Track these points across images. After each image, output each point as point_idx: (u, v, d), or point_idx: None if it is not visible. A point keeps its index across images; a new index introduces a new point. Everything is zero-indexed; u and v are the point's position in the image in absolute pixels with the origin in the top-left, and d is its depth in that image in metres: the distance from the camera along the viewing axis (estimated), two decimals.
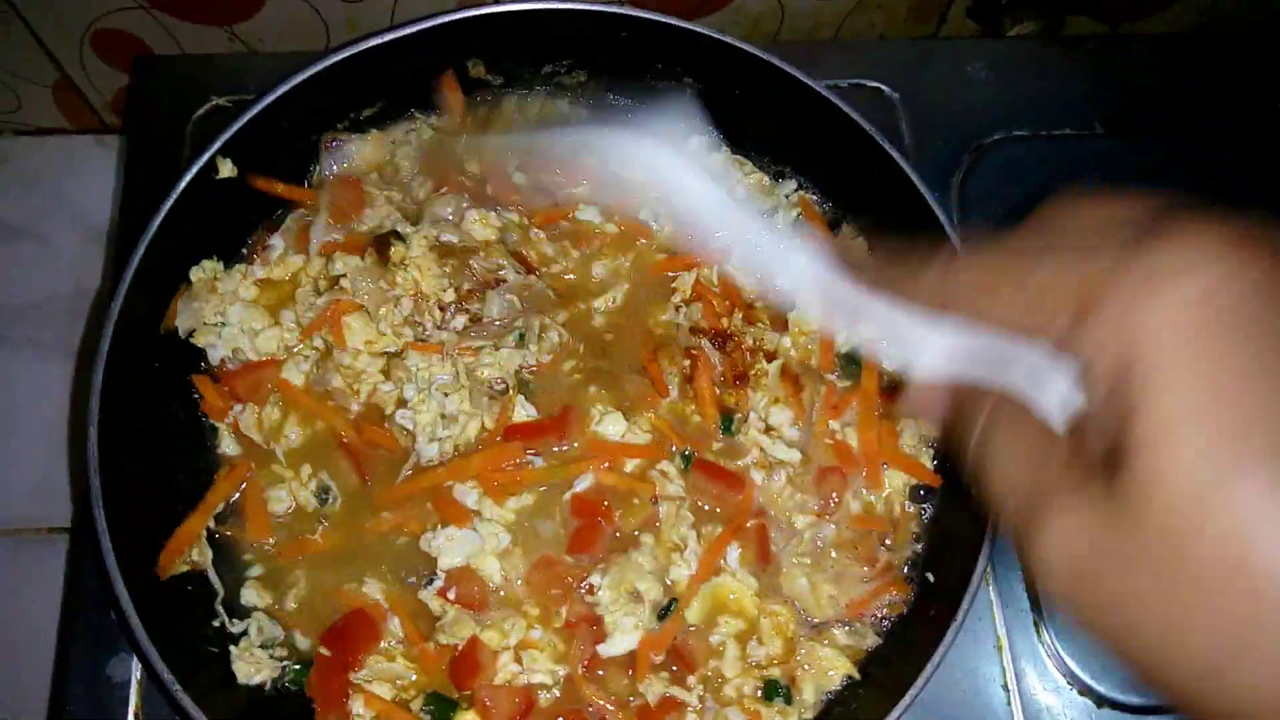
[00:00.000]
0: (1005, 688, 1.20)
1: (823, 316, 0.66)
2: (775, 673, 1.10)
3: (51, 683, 1.26)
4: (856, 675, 1.10)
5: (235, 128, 1.11)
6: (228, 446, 1.17)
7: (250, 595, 1.11)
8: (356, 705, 1.05)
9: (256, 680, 1.07)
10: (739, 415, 1.19)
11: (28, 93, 1.57)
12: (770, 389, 1.19)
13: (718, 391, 1.19)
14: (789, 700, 1.09)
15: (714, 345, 1.20)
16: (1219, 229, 0.42)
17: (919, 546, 1.17)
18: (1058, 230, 0.50)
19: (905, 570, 1.17)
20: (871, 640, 1.14)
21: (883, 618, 1.15)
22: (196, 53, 1.46)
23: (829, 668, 1.11)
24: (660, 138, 0.80)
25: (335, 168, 1.25)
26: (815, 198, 1.31)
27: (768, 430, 1.19)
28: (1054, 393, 0.51)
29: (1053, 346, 0.49)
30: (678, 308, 1.24)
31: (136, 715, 1.11)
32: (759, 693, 1.10)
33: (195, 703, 0.94)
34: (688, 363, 1.20)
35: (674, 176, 0.76)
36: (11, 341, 1.52)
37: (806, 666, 1.11)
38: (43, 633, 1.33)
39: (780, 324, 1.23)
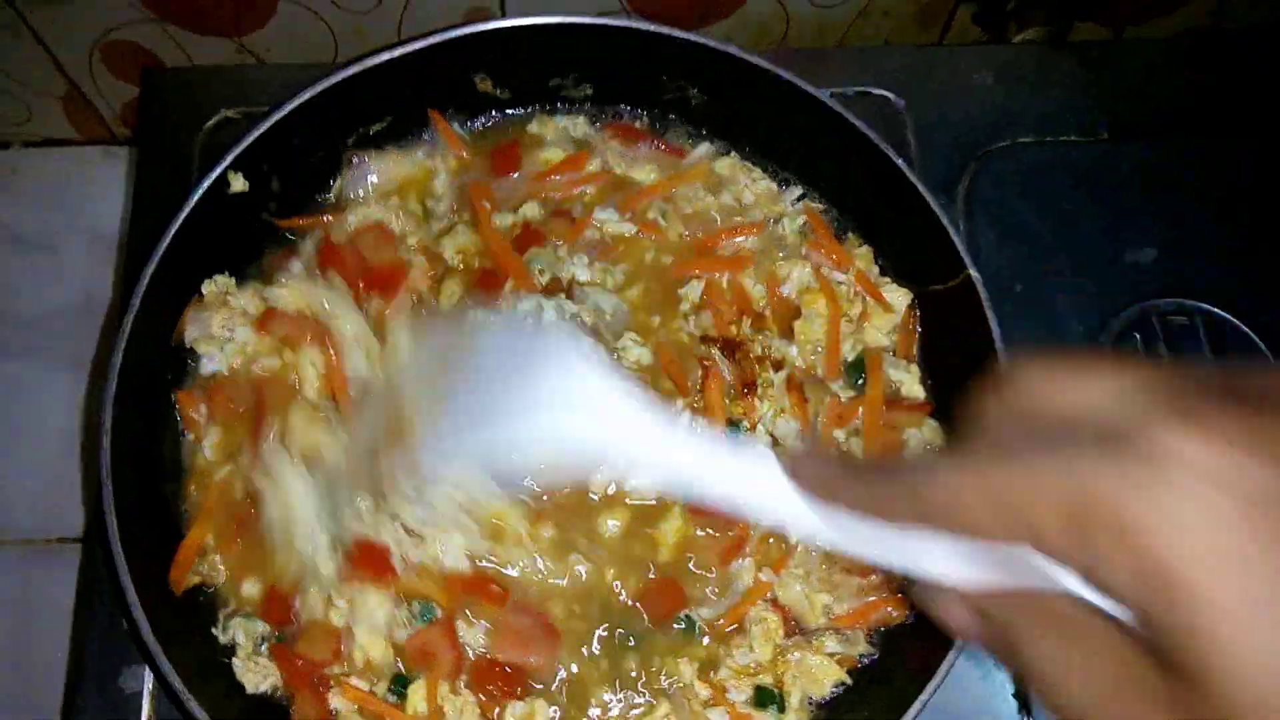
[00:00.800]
0: (1016, 697, 1.19)
1: (796, 535, 0.58)
2: (766, 679, 1.10)
3: (64, 693, 1.27)
4: (849, 680, 1.10)
5: (246, 142, 1.11)
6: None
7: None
8: (335, 699, 1.06)
9: (264, 688, 1.07)
10: (745, 425, 1.19)
11: (37, 104, 1.58)
12: (776, 399, 1.20)
13: (726, 402, 1.19)
14: (782, 708, 1.10)
15: (724, 355, 1.20)
16: (1187, 417, 0.39)
17: None
18: (1021, 420, 0.46)
19: (906, 581, 1.16)
20: (863, 647, 1.13)
21: (878, 629, 1.14)
22: (205, 64, 1.47)
23: (820, 675, 1.11)
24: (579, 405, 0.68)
25: (360, 189, 1.27)
26: (821, 206, 1.31)
27: (774, 443, 1.19)
28: (1073, 583, 0.45)
29: (1048, 555, 0.44)
30: (687, 316, 1.24)
31: None
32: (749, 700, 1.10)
33: (207, 713, 0.94)
34: (699, 373, 1.20)
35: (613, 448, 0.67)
36: (21, 351, 1.53)
37: (795, 675, 1.11)
38: (55, 642, 1.35)
39: (787, 332, 1.22)
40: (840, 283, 1.25)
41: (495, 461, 0.76)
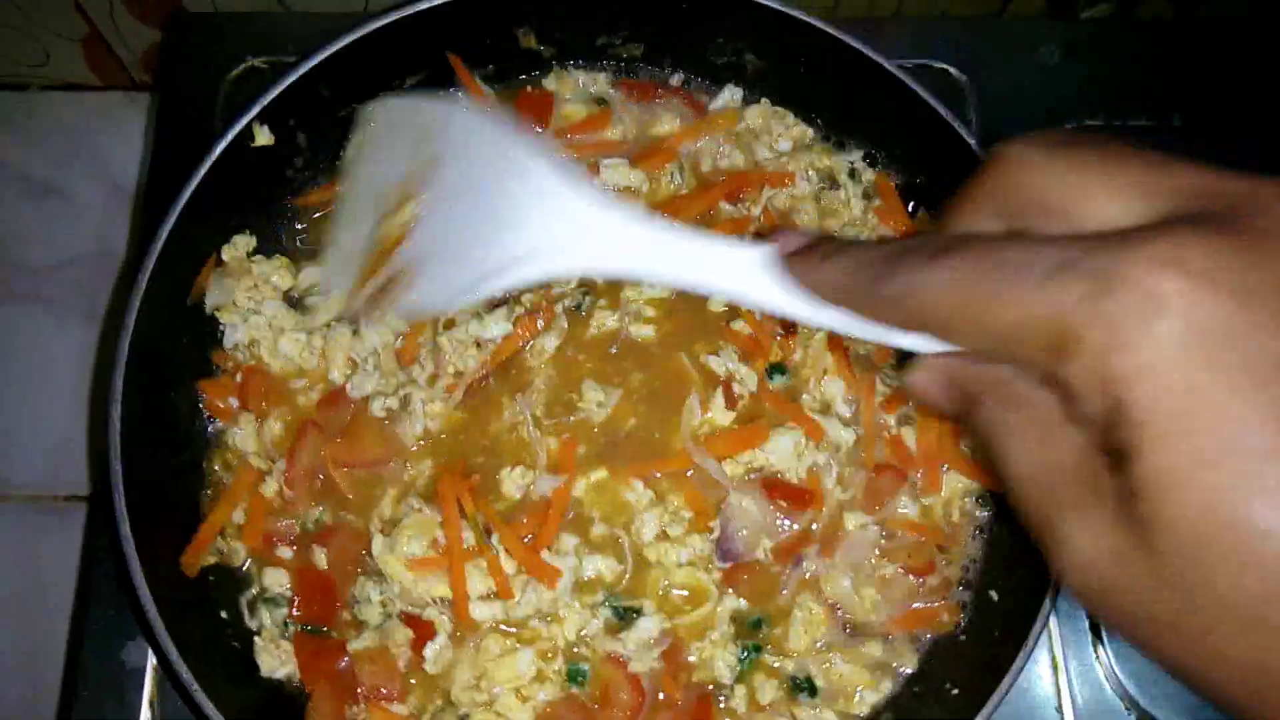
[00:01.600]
0: (1059, 710, 1.14)
1: (779, 314, 0.58)
2: (790, 667, 1.07)
3: (64, 666, 1.24)
4: (881, 693, 1.06)
5: (273, 94, 1.05)
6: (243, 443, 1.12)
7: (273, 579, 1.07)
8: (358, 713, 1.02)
9: (280, 674, 1.02)
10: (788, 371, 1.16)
11: (56, 47, 1.52)
12: (816, 356, 1.14)
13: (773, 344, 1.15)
14: (814, 693, 1.05)
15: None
16: (1175, 265, 0.40)
17: (975, 563, 1.11)
18: (1021, 209, 0.47)
19: (959, 589, 1.10)
20: (909, 662, 1.08)
21: (928, 639, 1.09)
22: (231, 10, 1.40)
23: (855, 683, 1.07)
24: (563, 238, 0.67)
25: None
26: (889, 175, 1.25)
27: (824, 410, 1.13)
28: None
29: (1024, 365, 0.46)
30: None
31: (151, 703, 1.08)
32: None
33: (209, 697, 0.89)
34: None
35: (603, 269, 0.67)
36: (33, 301, 1.48)
37: (825, 682, 1.07)
38: (59, 600, 1.31)
39: None
40: None
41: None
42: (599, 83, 1.26)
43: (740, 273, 0.59)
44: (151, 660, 1.08)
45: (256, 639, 1.03)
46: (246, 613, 1.05)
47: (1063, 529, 0.44)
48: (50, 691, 1.25)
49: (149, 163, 1.32)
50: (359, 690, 1.00)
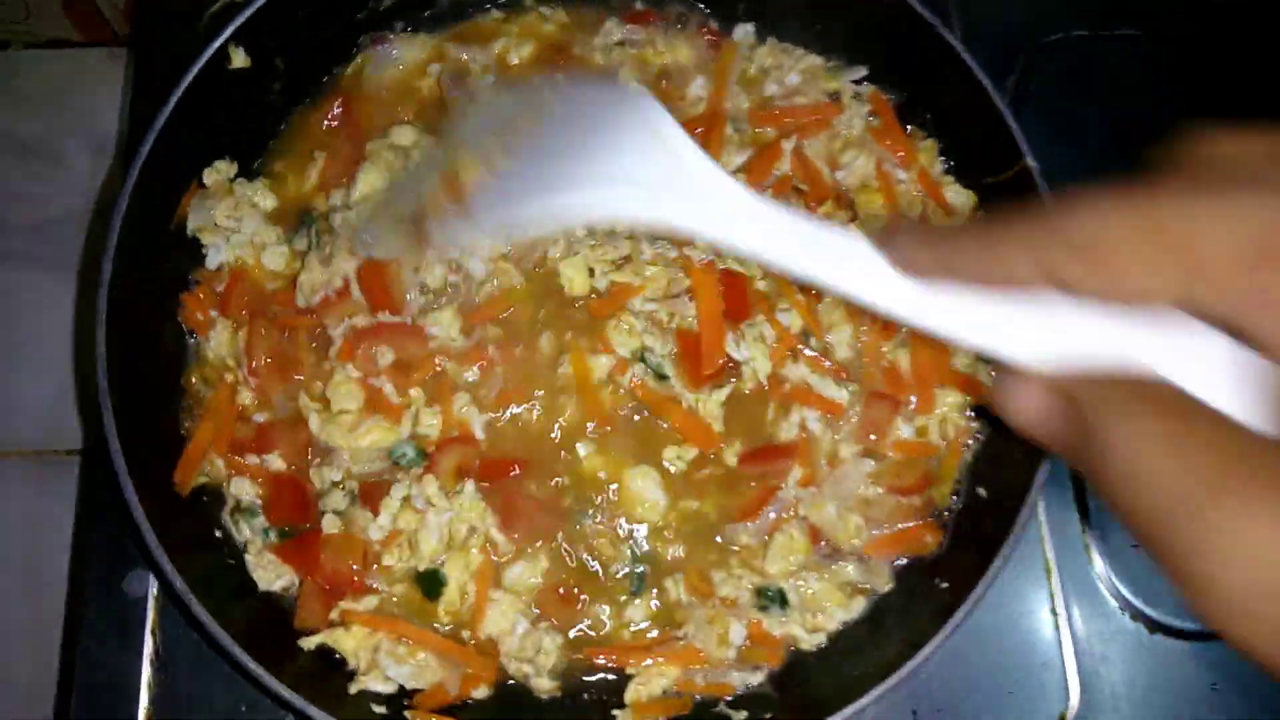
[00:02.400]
0: (1054, 613, 1.14)
1: (883, 312, 0.54)
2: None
3: (67, 601, 1.24)
4: (853, 616, 1.06)
5: (248, 13, 1.05)
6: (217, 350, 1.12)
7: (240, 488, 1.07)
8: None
9: (278, 586, 1.03)
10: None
11: (36, 3, 1.51)
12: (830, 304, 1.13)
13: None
14: (784, 605, 1.05)
15: None
16: None
17: (963, 480, 1.11)
18: (1195, 169, 0.41)
19: (951, 501, 1.10)
20: (885, 580, 1.08)
21: (906, 565, 1.09)
22: None
23: (826, 601, 1.07)
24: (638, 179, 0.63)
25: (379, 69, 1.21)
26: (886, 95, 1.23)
27: (824, 352, 1.12)
28: (1203, 368, 0.41)
29: (1205, 310, 0.39)
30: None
31: (154, 630, 1.08)
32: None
33: (210, 613, 0.90)
34: None
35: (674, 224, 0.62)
36: (21, 259, 1.47)
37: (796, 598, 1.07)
38: (60, 555, 1.31)
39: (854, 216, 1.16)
40: (901, 181, 1.18)
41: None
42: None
43: (844, 260, 0.55)
44: (152, 589, 1.09)
45: (246, 555, 1.03)
46: (233, 529, 1.05)
47: (1224, 525, 0.35)
48: (54, 630, 1.25)
49: (129, 106, 1.31)
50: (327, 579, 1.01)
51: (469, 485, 1.04)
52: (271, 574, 1.02)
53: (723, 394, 1.09)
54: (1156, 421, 0.39)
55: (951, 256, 0.48)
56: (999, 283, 0.45)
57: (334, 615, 1.01)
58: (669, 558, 1.07)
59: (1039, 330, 0.46)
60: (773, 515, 1.08)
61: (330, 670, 1.01)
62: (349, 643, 1.00)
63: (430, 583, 1.02)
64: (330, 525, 1.03)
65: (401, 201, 0.98)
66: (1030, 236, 0.43)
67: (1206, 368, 0.41)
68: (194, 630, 0.93)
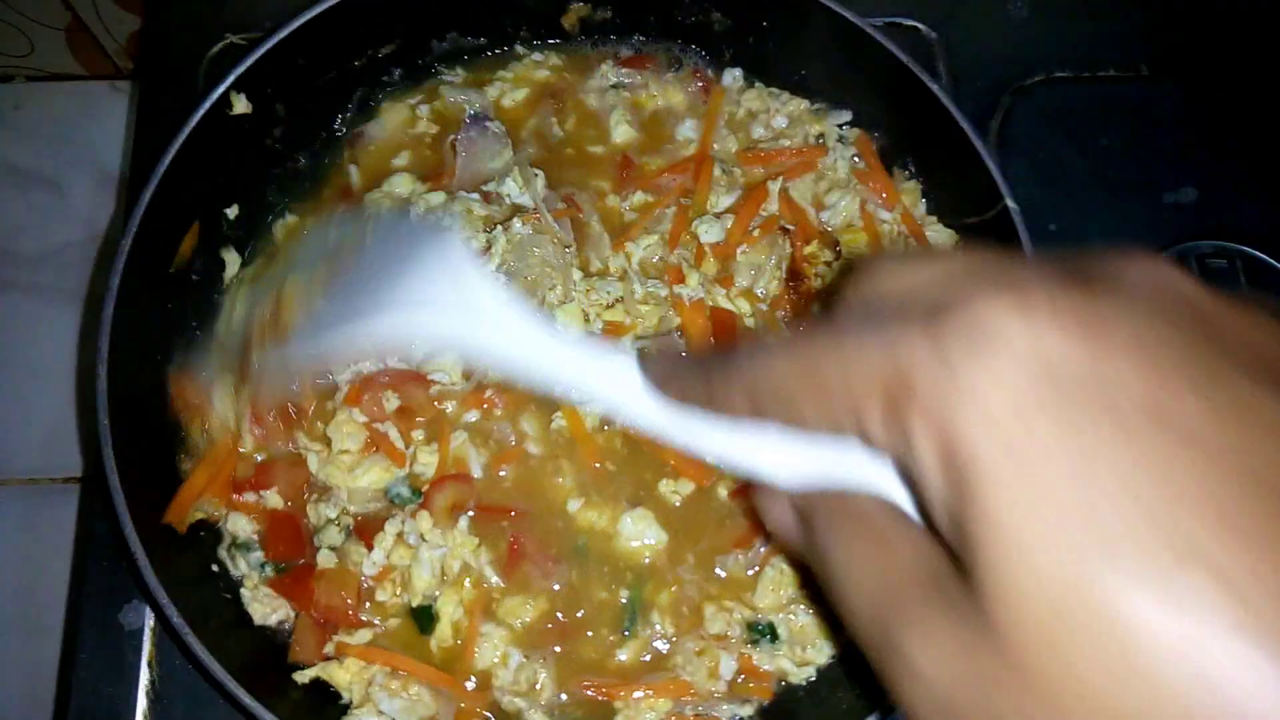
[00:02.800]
0: None
1: (649, 433, 0.60)
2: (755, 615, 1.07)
3: (64, 631, 1.25)
4: (833, 651, 1.07)
5: (249, 61, 1.07)
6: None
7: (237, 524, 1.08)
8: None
9: (273, 620, 1.04)
10: None
11: (40, 37, 1.54)
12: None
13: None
14: (774, 638, 1.06)
15: (790, 287, 1.16)
16: (1021, 284, 0.36)
17: None
18: (852, 312, 0.43)
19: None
20: None
21: None
22: None
23: (815, 635, 1.08)
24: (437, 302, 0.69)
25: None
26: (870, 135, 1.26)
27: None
28: (895, 491, 0.44)
29: (871, 445, 0.41)
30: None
31: (150, 662, 1.09)
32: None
33: (206, 646, 0.91)
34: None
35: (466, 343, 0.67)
36: (24, 289, 1.50)
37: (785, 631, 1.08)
38: (57, 583, 1.33)
39: (838, 254, 1.18)
40: (884, 222, 1.20)
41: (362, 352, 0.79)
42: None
43: (609, 379, 0.59)
44: (149, 621, 1.10)
45: (242, 589, 1.05)
46: (229, 563, 1.06)
47: (903, 643, 0.38)
48: (50, 661, 1.27)
49: (132, 145, 1.33)
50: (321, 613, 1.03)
51: (462, 521, 1.06)
52: (267, 608, 1.03)
53: None
54: (862, 543, 0.43)
55: (687, 386, 0.53)
56: (725, 412, 0.49)
57: (328, 649, 1.02)
58: (662, 594, 1.08)
59: (772, 453, 0.51)
60: (763, 549, 1.09)
61: (324, 704, 1.02)
62: (343, 676, 1.01)
63: (423, 618, 1.04)
64: (325, 560, 1.04)
65: (233, 335, 1.06)
66: (735, 379, 0.48)
67: (896, 488, 0.45)
68: (190, 663, 0.94)
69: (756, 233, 1.18)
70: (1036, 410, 0.34)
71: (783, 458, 0.50)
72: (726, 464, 0.54)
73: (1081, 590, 0.32)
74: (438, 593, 1.05)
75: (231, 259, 1.18)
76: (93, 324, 1.02)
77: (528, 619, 1.05)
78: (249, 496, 1.08)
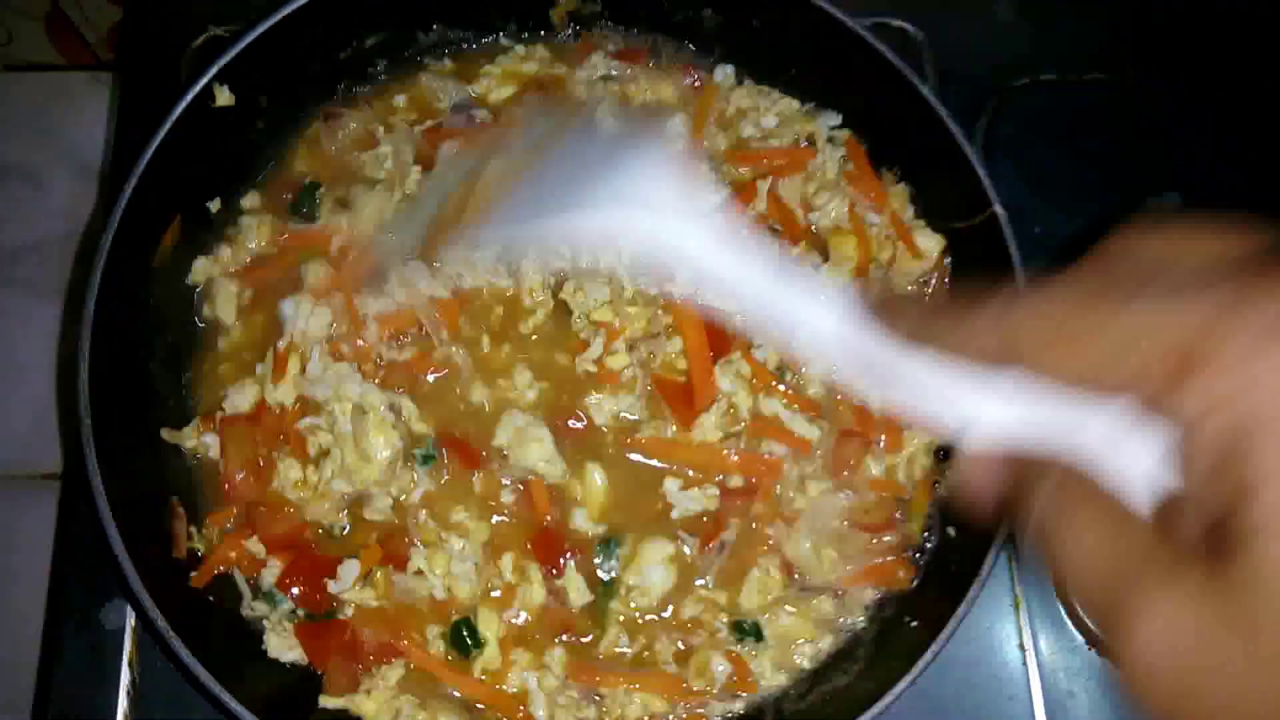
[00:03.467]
0: (1021, 647, 1.17)
1: (852, 379, 0.56)
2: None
3: (43, 630, 1.24)
4: (826, 653, 1.08)
5: (233, 53, 1.06)
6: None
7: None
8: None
9: (288, 658, 1.04)
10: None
11: (18, 26, 1.52)
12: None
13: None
14: (759, 638, 1.07)
15: None
16: None
17: (934, 516, 1.12)
18: (1137, 266, 0.43)
19: (921, 539, 1.12)
20: (858, 616, 1.09)
21: (879, 600, 1.11)
22: None
23: (797, 636, 1.08)
24: (647, 202, 0.67)
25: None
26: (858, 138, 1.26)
27: (797, 389, 1.14)
28: (1138, 463, 0.44)
29: (1139, 408, 0.41)
30: None
31: (131, 662, 1.09)
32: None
33: (188, 646, 0.90)
34: None
35: (674, 249, 0.65)
36: (2, 282, 1.47)
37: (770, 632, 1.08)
38: (36, 581, 1.31)
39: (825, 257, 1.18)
40: (873, 224, 1.20)
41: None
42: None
43: (820, 310, 0.56)
44: (130, 620, 1.09)
45: (266, 622, 1.05)
46: (252, 609, 1.06)
47: (1137, 609, 0.39)
48: (29, 660, 1.25)
49: (113, 137, 1.32)
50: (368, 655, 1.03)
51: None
52: (285, 645, 1.04)
53: (712, 421, 1.11)
54: (1096, 518, 0.43)
55: (932, 323, 0.50)
56: (967, 353, 0.48)
57: (365, 687, 1.02)
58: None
59: (995, 408, 0.49)
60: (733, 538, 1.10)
61: (296, 692, 1.02)
62: (369, 706, 1.01)
63: (462, 636, 1.04)
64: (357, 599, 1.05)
65: (422, 208, 1.02)
66: (993, 318, 0.46)
67: (1126, 461, 0.45)
68: (171, 663, 0.93)
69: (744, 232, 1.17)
70: None
71: (1009, 413, 0.48)
72: (937, 416, 0.51)
73: None
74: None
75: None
76: (74, 318, 1.01)
77: (526, 613, 1.06)
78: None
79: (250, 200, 1.21)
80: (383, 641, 1.04)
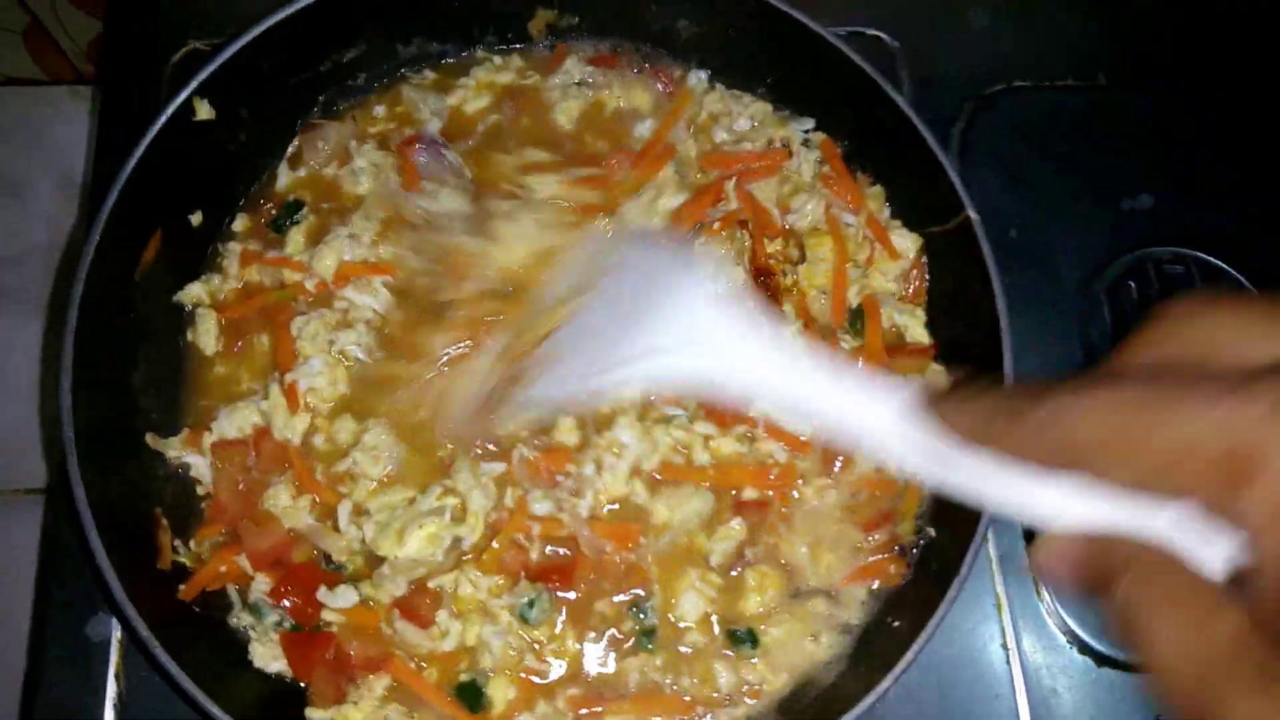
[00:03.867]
0: (1005, 647, 1.18)
1: (914, 469, 0.57)
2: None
3: (29, 643, 1.23)
4: (818, 656, 1.08)
5: (212, 67, 1.06)
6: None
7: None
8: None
9: (274, 669, 1.04)
10: None
11: None
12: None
13: None
14: (755, 644, 1.07)
15: (759, 284, 1.16)
16: None
17: (924, 515, 1.13)
18: (1185, 355, 0.42)
19: (908, 549, 1.12)
20: (854, 616, 1.10)
21: (873, 594, 1.11)
22: None
23: (793, 639, 1.09)
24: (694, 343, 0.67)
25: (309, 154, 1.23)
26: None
27: None
28: (1214, 549, 0.43)
29: (1202, 509, 0.41)
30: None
31: (117, 675, 1.09)
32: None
33: (173, 658, 0.91)
34: None
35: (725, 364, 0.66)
36: None
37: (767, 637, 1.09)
38: (21, 595, 1.30)
39: (802, 259, 1.20)
40: (849, 225, 1.22)
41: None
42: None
43: (879, 413, 0.57)
44: (115, 633, 1.09)
45: (251, 632, 1.05)
46: (239, 620, 1.06)
47: (1230, 708, 0.39)
48: (15, 673, 1.25)
49: (94, 150, 1.32)
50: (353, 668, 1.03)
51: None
52: (270, 656, 1.03)
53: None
54: (1183, 606, 0.43)
55: (988, 423, 0.50)
56: (1021, 458, 0.48)
57: (352, 699, 1.02)
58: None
59: (1065, 501, 0.49)
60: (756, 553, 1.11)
61: (283, 702, 1.02)
62: (356, 716, 1.01)
63: (468, 694, 1.04)
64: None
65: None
66: (1040, 427, 0.46)
67: (1202, 547, 0.44)
68: (158, 675, 0.93)
69: (717, 225, 1.19)
70: None
71: (1077, 507, 0.48)
72: (1005, 509, 0.52)
73: None
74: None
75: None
76: (56, 331, 1.01)
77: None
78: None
79: (240, 223, 1.21)
80: (369, 656, 1.04)
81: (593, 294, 0.81)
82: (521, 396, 0.86)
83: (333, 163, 1.23)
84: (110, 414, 1.05)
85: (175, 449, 1.10)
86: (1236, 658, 0.40)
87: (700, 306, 0.68)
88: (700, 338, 0.66)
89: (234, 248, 1.19)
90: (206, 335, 1.15)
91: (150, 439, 1.08)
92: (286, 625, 1.05)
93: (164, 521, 1.06)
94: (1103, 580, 0.46)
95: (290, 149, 1.23)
